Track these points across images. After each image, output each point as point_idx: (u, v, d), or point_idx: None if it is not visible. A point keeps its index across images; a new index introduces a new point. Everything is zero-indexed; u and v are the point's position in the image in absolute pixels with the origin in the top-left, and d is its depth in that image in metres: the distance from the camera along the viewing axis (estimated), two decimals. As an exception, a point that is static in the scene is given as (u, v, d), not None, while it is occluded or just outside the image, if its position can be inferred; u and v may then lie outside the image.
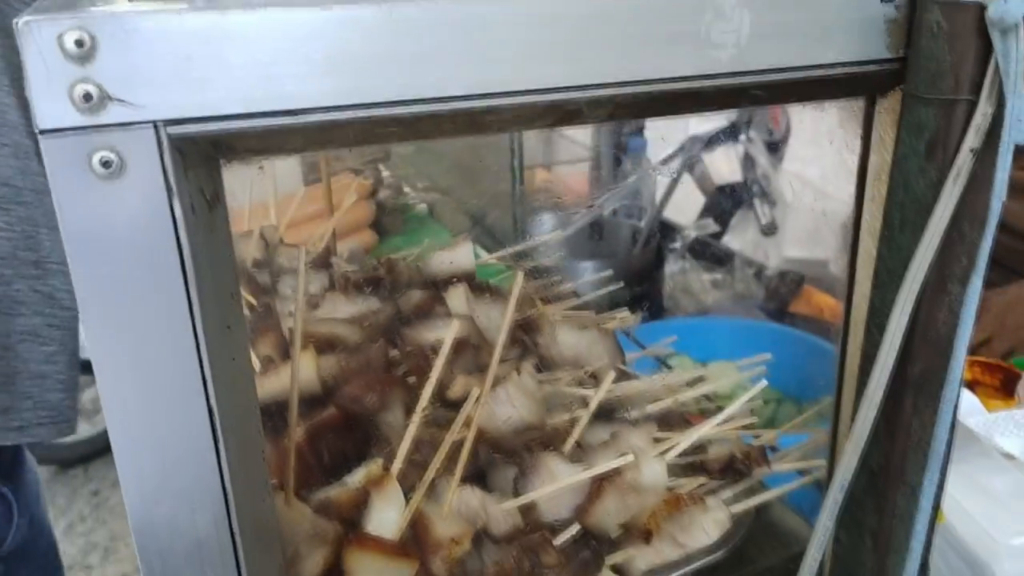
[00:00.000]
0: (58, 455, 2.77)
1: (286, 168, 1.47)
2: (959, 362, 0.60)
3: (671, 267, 2.52)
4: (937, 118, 0.57)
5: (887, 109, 0.62)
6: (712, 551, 0.75)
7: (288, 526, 0.60)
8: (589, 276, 1.23)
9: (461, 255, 0.93)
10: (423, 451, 0.70)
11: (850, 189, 0.69)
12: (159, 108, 0.42)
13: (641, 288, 2.37)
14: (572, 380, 0.82)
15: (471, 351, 0.79)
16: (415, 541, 0.65)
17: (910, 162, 0.60)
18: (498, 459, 0.76)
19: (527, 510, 0.71)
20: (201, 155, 0.46)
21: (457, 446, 0.70)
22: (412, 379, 0.75)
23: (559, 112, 0.47)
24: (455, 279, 0.90)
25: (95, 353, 0.45)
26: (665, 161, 2.58)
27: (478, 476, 0.75)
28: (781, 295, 2.29)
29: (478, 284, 0.95)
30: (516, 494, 0.72)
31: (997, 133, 0.55)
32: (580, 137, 3.23)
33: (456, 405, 0.75)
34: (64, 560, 2.42)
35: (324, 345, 0.78)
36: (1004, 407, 1.28)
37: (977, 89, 0.55)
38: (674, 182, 2.58)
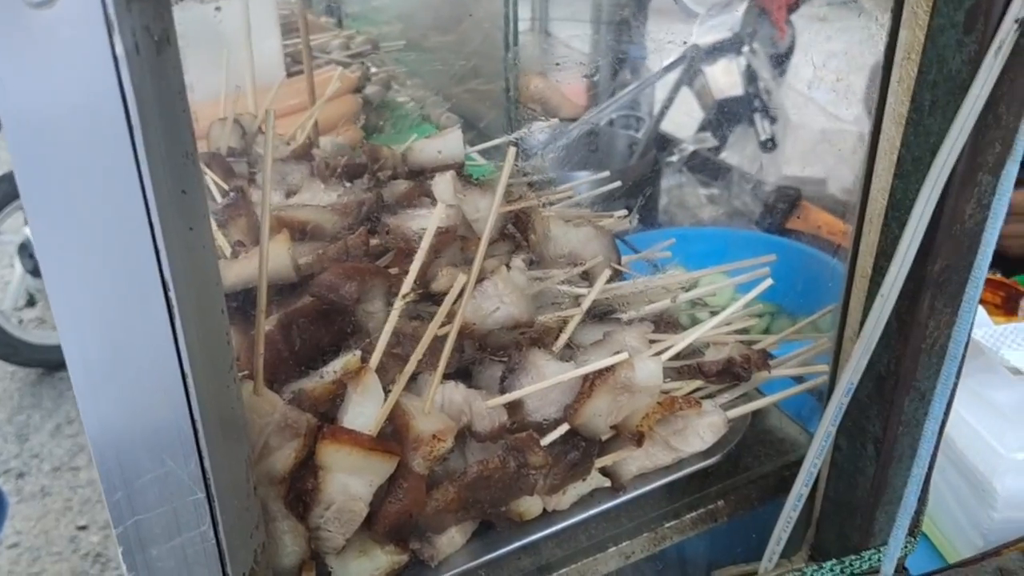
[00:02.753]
0: (44, 357, 2.74)
1: (268, 59, 1.39)
2: (985, 259, 0.56)
3: (668, 181, 2.47)
4: (980, -15, 0.52)
5: (925, -21, 0.56)
6: (706, 456, 0.72)
7: (258, 416, 0.56)
8: (585, 179, 1.17)
9: (450, 143, 0.87)
10: (406, 345, 0.66)
11: (865, 88, 0.63)
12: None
13: (637, 200, 2.31)
14: (565, 277, 0.78)
15: (458, 242, 0.74)
16: (395, 437, 0.61)
17: (946, 35, 0.54)
18: (485, 356, 0.71)
19: (514, 409, 0.67)
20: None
21: (441, 340, 0.66)
22: (395, 271, 0.70)
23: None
24: (443, 168, 0.84)
25: (33, 220, 0.40)
26: (665, 71, 2.50)
27: (464, 373, 0.71)
28: (778, 211, 2.25)
29: (467, 176, 0.90)
30: (503, 392, 0.68)
31: (1048, 2, 0.49)
32: (578, 44, 3.12)
33: (442, 299, 0.70)
34: (51, 462, 2.42)
35: (301, 232, 0.73)
36: (1009, 323, 1.24)
37: (1028, -50, 0.50)
38: (673, 93, 2.50)
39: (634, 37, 2.94)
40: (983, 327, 0.98)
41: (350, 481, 0.59)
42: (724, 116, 2.62)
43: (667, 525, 0.71)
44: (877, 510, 0.67)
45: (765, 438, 0.80)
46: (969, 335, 0.59)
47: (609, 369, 0.65)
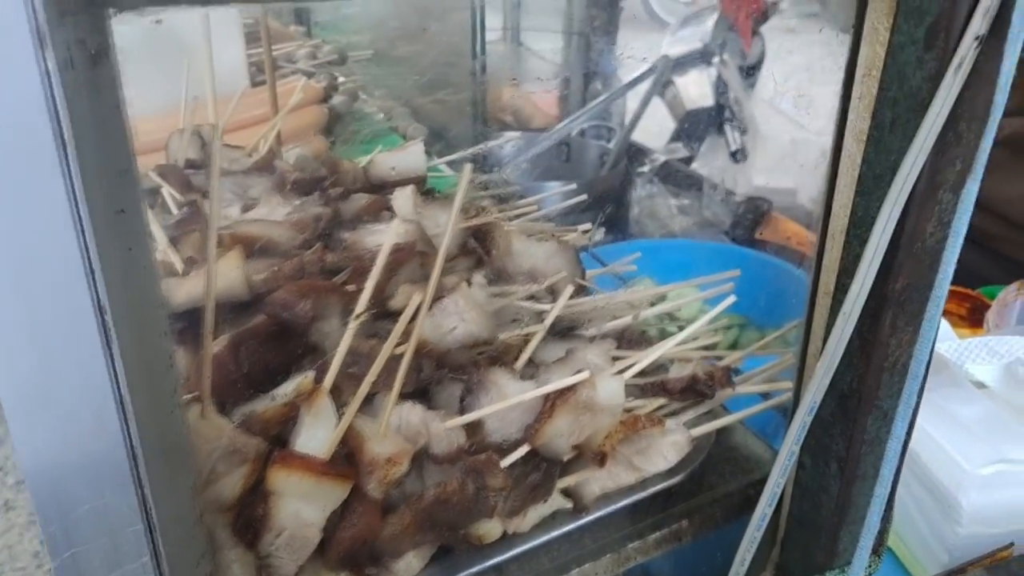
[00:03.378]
0: None
1: (231, 68, 1.37)
2: (946, 277, 0.55)
3: (639, 191, 2.47)
4: (940, 1, 0.51)
5: (884, -5, 0.56)
6: (670, 475, 0.71)
7: (205, 442, 0.54)
8: (552, 191, 1.16)
9: (412, 157, 0.85)
10: (363, 365, 0.64)
11: (829, 102, 0.63)
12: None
13: (607, 211, 2.31)
14: (527, 294, 0.76)
15: (417, 258, 0.72)
16: (349, 460, 0.59)
17: (907, 52, 0.53)
18: (444, 375, 0.70)
19: (473, 430, 0.65)
20: None
21: (399, 360, 0.64)
22: (352, 288, 0.69)
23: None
24: (404, 182, 0.83)
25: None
26: (635, 81, 2.50)
27: (423, 393, 0.70)
28: (748, 222, 2.25)
29: (429, 190, 0.88)
30: (462, 412, 0.66)
31: (1007, 17, 0.49)
32: (549, 55, 3.13)
33: (400, 316, 0.69)
34: (15, 475, 2.36)
35: (255, 248, 0.71)
36: (971, 336, 1.25)
37: (987, -33, 0.49)
38: (644, 104, 2.50)
39: (605, 47, 2.94)
40: (947, 341, 0.97)
41: (302, 507, 0.57)
42: (695, 127, 2.63)
43: (630, 546, 0.70)
44: (841, 529, 0.66)
45: (730, 455, 0.79)
46: (931, 354, 0.59)
47: (570, 388, 0.64)
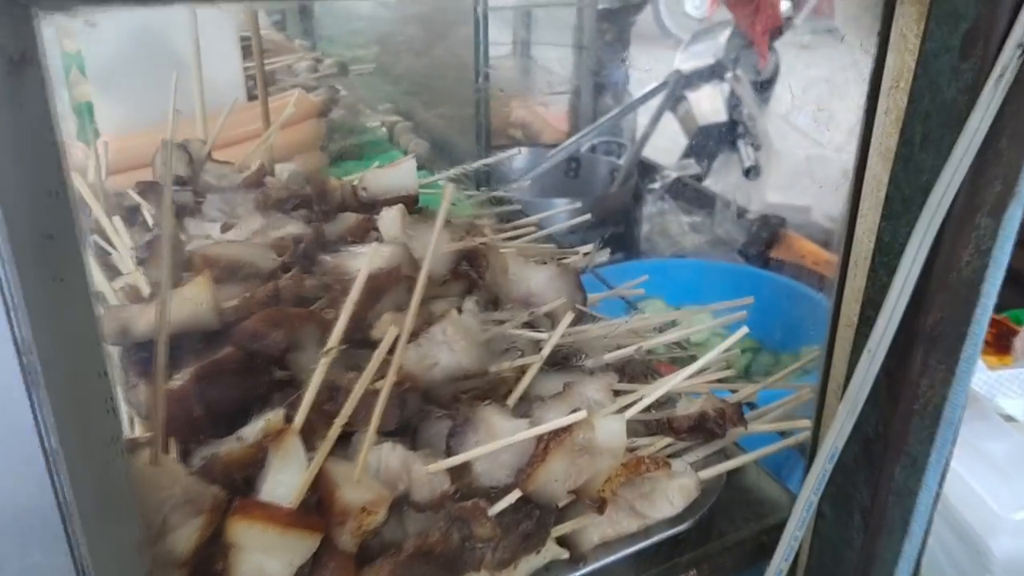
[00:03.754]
0: None
1: (227, 81, 1.33)
2: (985, 312, 0.49)
3: (649, 208, 2.42)
4: (977, 5, 0.46)
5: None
6: (676, 522, 0.65)
7: (156, 491, 0.49)
8: (555, 210, 1.10)
9: (403, 175, 0.80)
10: (339, 401, 0.59)
11: (849, 116, 0.57)
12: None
13: (616, 228, 2.27)
14: (523, 321, 0.71)
15: (403, 284, 0.67)
16: (320, 509, 0.54)
17: (940, 61, 0.48)
18: (431, 411, 0.64)
19: (461, 473, 0.60)
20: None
21: (377, 395, 0.59)
22: (332, 315, 0.63)
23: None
24: (395, 201, 0.78)
25: None
26: (646, 97, 2.46)
27: (408, 431, 0.64)
28: (761, 240, 2.20)
29: (421, 209, 0.83)
30: (449, 453, 0.61)
31: (1054, 23, 0.44)
32: (560, 69, 3.09)
33: (372, 346, 0.63)
34: None
35: (229, 271, 0.66)
36: (998, 363, 1.18)
37: (1033, -35, 0.44)
38: (655, 119, 2.46)
39: (617, 63, 2.90)
40: (978, 373, 0.91)
41: (266, 562, 0.51)
42: (707, 143, 2.58)
43: (634, 599, 0.64)
44: (866, 586, 0.60)
45: (743, 498, 0.73)
46: (966, 397, 0.53)
47: (566, 429, 0.58)
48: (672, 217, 2.42)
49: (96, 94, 1.32)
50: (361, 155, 1.50)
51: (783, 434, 0.76)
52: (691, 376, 0.66)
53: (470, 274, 0.72)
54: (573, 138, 2.39)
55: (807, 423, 0.68)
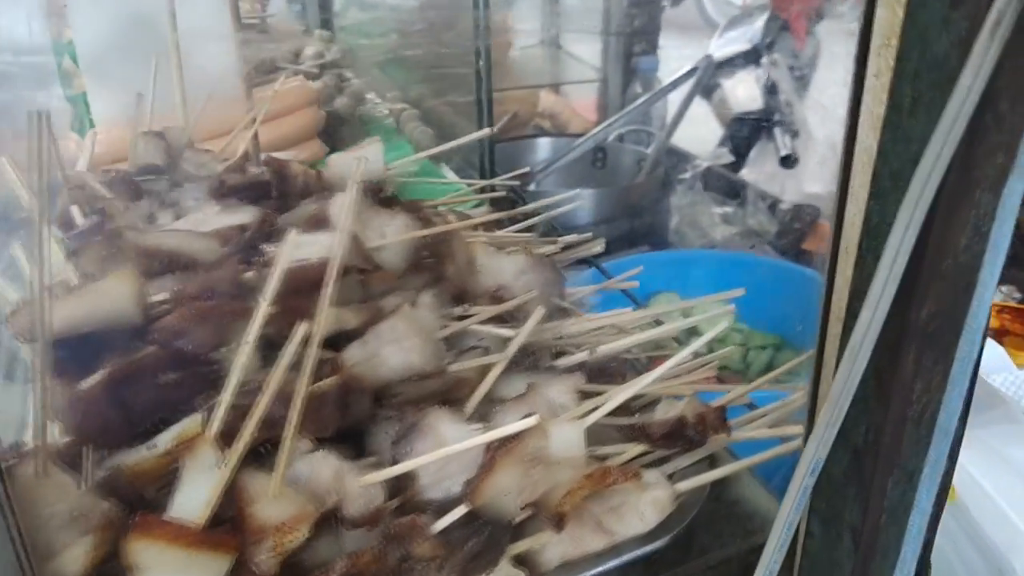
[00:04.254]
0: None
1: (222, 68, 1.29)
2: (984, 304, 0.42)
3: (680, 199, 2.34)
4: (971, -60, 0.39)
5: (903, -61, 0.43)
6: (649, 539, 0.58)
7: (44, 506, 0.44)
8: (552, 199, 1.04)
9: (370, 157, 0.75)
10: (275, 407, 0.53)
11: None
12: None
13: (642, 219, 2.20)
14: (488, 316, 0.65)
15: (354, 276, 0.61)
16: (235, 526, 0.48)
17: (929, 10, 0.41)
18: (379, 416, 0.59)
19: (405, 484, 0.54)
20: None
21: (316, 399, 0.54)
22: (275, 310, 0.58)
23: None
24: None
25: None
26: (674, 85, 2.38)
27: (353, 437, 0.59)
28: (794, 231, 2.11)
29: (392, 196, 0.78)
30: (394, 461, 0.55)
31: (1062, -44, 0.36)
32: (590, 58, 3.02)
33: (332, 345, 0.58)
34: None
35: (166, 264, 0.61)
36: (1037, 360, 1.09)
37: None
38: (683, 107, 2.38)
39: (648, 50, 2.83)
40: (1004, 372, 0.83)
41: (171, 584, 0.46)
42: (743, 131, 2.50)
43: (601, 624, 0.58)
44: (858, 616, 0.53)
45: (732, 512, 0.66)
46: (968, 402, 0.46)
47: (516, 437, 0.52)
48: (703, 208, 2.34)
49: (90, 84, 1.29)
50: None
51: (784, 441, 0.69)
52: (664, 378, 0.59)
53: (432, 265, 0.66)
54: (599, 127, 2.32)
55: (800, 429, 0.61)
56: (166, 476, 0.50)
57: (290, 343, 0.49)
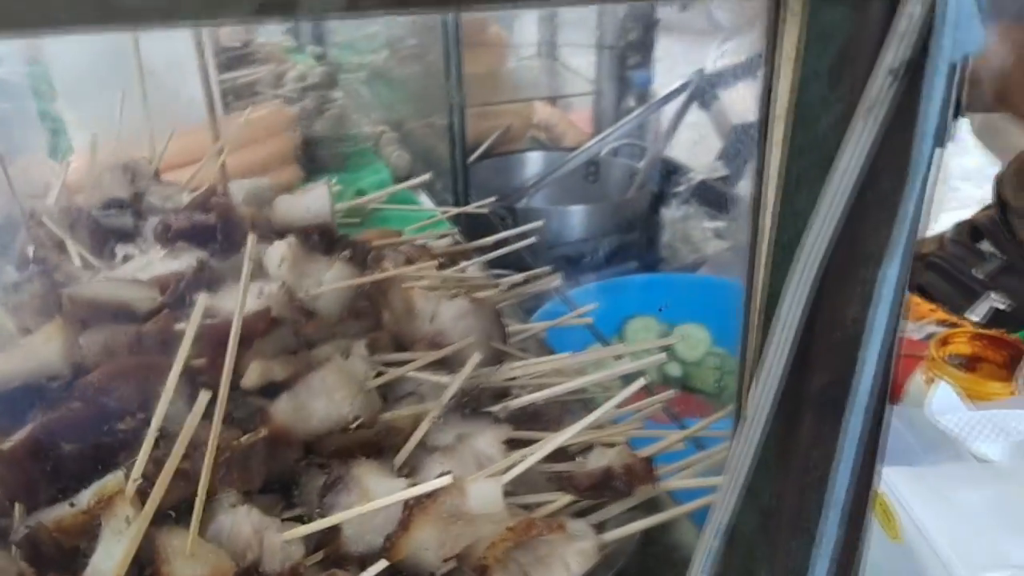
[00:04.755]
0: None
1: (196, 95, 1.30)
2: (867, 378, 0.43)
3: (673, 213, 2.33)
4: (847, 24, 0.39)
5: (795, 13, 0.44)
6: (576, 590, 0.59)
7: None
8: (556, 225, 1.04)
9: (315, 201, 0.76)
10: (197, 460, 0.54)
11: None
12: None
13: (633, 235, 2.19)
14: (423, 363, 0.66)
15: (287, 326, 0.62)
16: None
17: (812, 90, 0.41)
18: (309, 468, 0.60)
19: (329, 538, 0.55)
20: None
21: (244, 453, 0.54)
22: (200, 362, 0.59)
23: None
24: (306, 231, 0.73)
25: None
26: (667, 98, 2.38)
27: (281, 490, 0.60)
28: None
29: (342, 237, 0.79)
30: (321, 514, 0.56)
31: (927, 47, 0.37)
32: (583, 69, 3.02)
33: (258, 395, 0.59)
34: None
35: (100, 315, 0.62)
36: (1004, 391, 1.09)
37: (901, -21, 0.37)
38: (676, 121, 2.37)
39: (642, 63, 2.82)
40: (954, 412, 0.83)
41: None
42: (742, 143, 2.49)
43: (527, 675, 0.59)
44: (774, 673, 0.54)
45: (669, 557, 0.67)
46: (870, 464, 0.46)
47: (432, 495, 0.53)
48: (695, 223, 2.34)
49: (67, 111, 1.31)
50: (345, 166, 1.46)
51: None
52: (588, 428, 0.60)
53: (367, 312, 0.67)
54: (590, 142, 2.32)
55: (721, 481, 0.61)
56: (90, 532, 0.51)
57: (196, 408, 0.50)
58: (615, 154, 2.52)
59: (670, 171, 2.36)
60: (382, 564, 0.54)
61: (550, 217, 1.92)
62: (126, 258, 0.74)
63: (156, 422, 0.51)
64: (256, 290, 0.61)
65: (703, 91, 2.39)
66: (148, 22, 0.33)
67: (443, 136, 1.52)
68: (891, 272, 0.41)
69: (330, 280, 0.66)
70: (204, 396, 0.50)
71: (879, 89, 0.38)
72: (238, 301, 0.54)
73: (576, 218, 2.02)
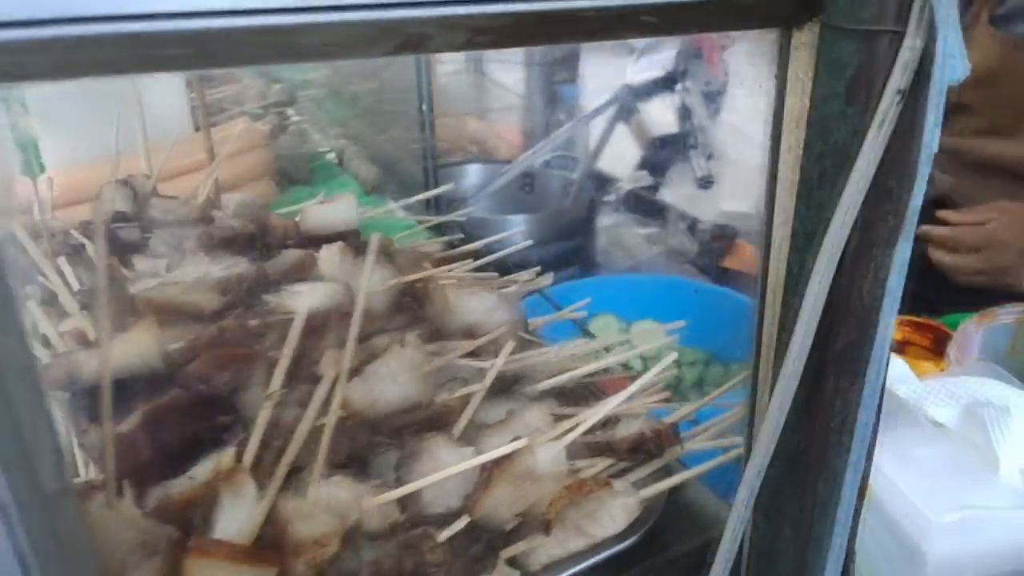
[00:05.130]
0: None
1: (173, 112, 1.34)
2: (884, 338, 0.53)
3: (605, 221, 2.45)
4: (859, 54, 0.49)
5: (804, 44, 0.54)
6: (621, 539, 0.68)
7: (112, 534, 0.51)
8: (500, 233, 1.13)
9: (342, 211, 0.83)
10: (288, 437, 0.61)
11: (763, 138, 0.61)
12: None
13: (572, 242, 2.29)
14: (466, 351, 0.74)
15: (346, 320, 0.69)
16: (274, 543, 0.56)
17: (830, 106, 0.52)
18: (379, 443, 0.67)
19: (410, 502, 0.63)
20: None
21: (335, 430, 0.62)
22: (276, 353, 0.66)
23: (399, 37, 0.37)
24: (336, 237, 0.80)
25: None
26: (597, 111, 2.49)
27: (358, 463, 0.67)
28: (714, 250, 2.23)
29: (365, 243, 0.86)
30: (398, 483, 0.63)
31: (927, 71, 0.47)
32: (511, 84, 3.12)
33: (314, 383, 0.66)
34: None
35: (172, 315, 0.68)
36: (934, 368, 1.23)
37: (904, 19, 0.48)
38: (607, 133, 2.49)
39: (569, 79, 2.93)
40: (907, 383, 0.95)
41: (220, 600, 0.54)
42: (661, 154, 2.61)
43: (582, 615, 0.67)
44: (797, 594, 0.64)
45: (685, 513, 0.76)
46: (878, 414, 0.57)
47: (507, 457, 0.61)
48: (627, 230, 2.46)
49: (40, 128, 1.33)
50: (311, 180, 1.52)
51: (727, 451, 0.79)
52: (626, 400, 0.69)
53: (413, 308, 0.75)
54: (525, 155, 2.41)
55: (740, 440, 0.71)
56: (204, 504, 0.57)
57: (324, 384, 0.57)
58: (548, 165, 2.62)
59: (600, 181, 2.47)
60: (464, 520, 0.62)
61: (494, 226, 2.00)
62: (169, 266, 0.80)
63: (265, 409, 0.57)
64: (322, 289, 0.68)
65: (627, 105, 2.51)
66: (312, 58, 0.40)
67: (405, 148, 1.59)
68: (899, 253, 0.52)
69: (380, 280, 0.73)
70: (331, 372, 0.57)
71: (888, 106, 0.48)
72: (331, 293, 0.61)
73: (517, 227, 2.11)
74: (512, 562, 0.66)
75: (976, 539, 0.81)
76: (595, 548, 0.68)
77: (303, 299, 0.66)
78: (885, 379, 0.57)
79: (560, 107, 2.95)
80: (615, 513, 0.68)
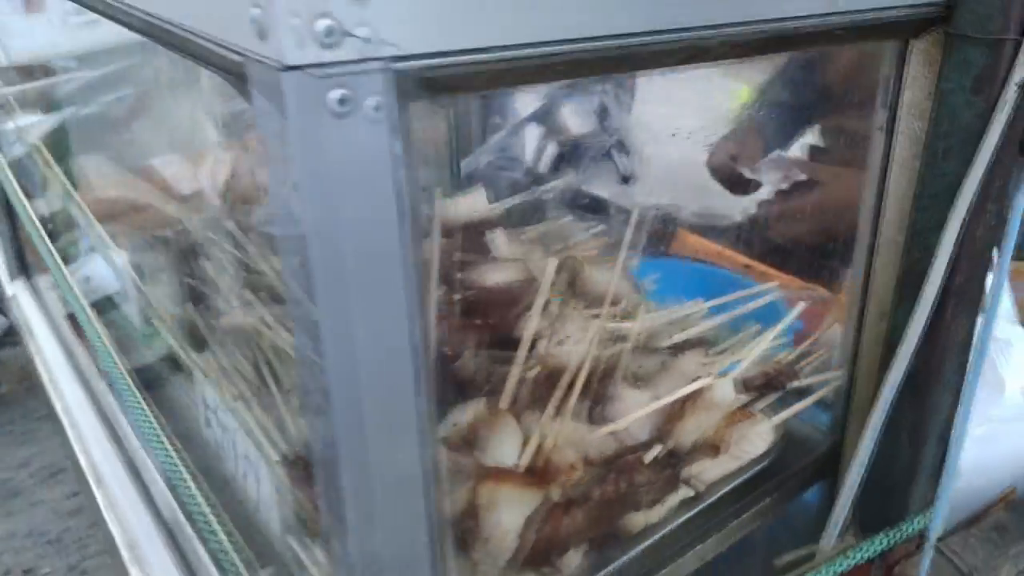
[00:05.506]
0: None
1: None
2: (1004, 269, 0.70)
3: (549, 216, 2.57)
4: (984, 56, 0.66)
5: (922, 50, 0.71)
6: (762, 459, 0.83)
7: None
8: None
9: (476, 202, 0.95)
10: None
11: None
12: (392, 44, 0.41)
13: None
14: (611, 315, 0.87)
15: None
16: (534, 471, 0.68)
17: (956, 96, 0.68)
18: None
19: (615, 436, 0.75)
20: (421, 92, 0.45)
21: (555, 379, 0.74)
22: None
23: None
24: (472, 226, 0.93)
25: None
26: (533, 117, 2.62)
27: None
28: (659, 238, 2.40)
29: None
30: (605, 421, 0.76)
31: (1041, 66, 0.65)
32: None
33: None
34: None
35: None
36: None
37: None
38: (544, 136, 2.62)
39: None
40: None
41: (504, 516, 0.65)
42: (584, 152, 2.75)
43: (732, 524, 0.82)
44: (912, 487, 0.80)
45: (790, 438, 0.92)
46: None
47: (696, 393, 0.75)
48: (570, 225, 2.58)
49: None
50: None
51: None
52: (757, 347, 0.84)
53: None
54: (471, 157, 2.52)
55: (838, 374, 0.87)
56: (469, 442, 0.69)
57: (589, 341, 0.70)
58: (491, 167, 2.73)
59: (538, 183, 2.60)
60: (659, 447, 0.75)
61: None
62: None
63: (517, 363, 0.69)
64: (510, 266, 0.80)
65: (550, 108, 2.65)
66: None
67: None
68: (1014, 209, 0.69)
69: (536, 257, 0.85)
70: (595, 324, 0.69)
71: (1010, 95, 0.65)
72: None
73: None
74: (685, 481, 0.80)
75: (999, 447, 1.01)
76: (742, 469, 0.83)
77: (493, 275, 0.78)
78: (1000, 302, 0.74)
79: (493, 112, 3.06)
80: (757, 438, 0.82)
